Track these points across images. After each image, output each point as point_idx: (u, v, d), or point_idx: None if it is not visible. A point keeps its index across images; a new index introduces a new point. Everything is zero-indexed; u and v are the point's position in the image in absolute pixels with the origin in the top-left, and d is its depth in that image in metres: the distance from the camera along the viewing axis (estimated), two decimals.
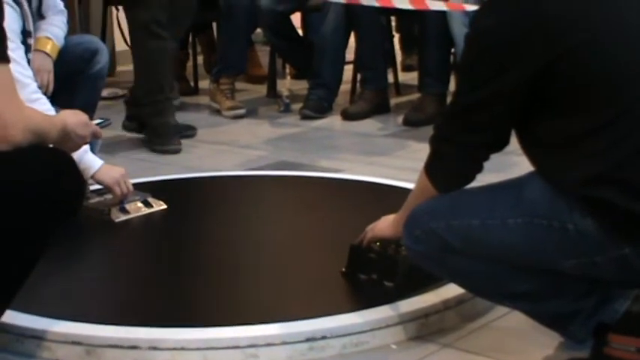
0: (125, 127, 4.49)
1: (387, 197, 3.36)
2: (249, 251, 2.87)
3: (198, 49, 5.81)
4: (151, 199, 3.22)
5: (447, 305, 2.45)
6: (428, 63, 4.75)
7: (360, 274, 2.59)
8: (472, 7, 4.36)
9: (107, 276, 2.74)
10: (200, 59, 5.83)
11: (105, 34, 5.81)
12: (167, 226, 3.12)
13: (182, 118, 4.88)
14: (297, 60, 5.40)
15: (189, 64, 5.65)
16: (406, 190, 3.34)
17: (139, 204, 3.19)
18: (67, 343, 2.31)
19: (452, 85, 4.81)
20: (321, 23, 5.24)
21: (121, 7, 5.49)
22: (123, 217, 3.12)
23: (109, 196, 3.21)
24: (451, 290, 2.49)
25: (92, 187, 3.24)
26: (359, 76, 5.08)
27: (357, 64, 5.05)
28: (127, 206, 3.16)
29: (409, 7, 4.26)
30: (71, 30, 5.26)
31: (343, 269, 2.62)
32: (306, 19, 5.72)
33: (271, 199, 3.42)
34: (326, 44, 4.90)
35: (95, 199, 3.19)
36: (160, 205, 3.22)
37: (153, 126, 4.30)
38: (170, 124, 4.35)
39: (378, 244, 2.58)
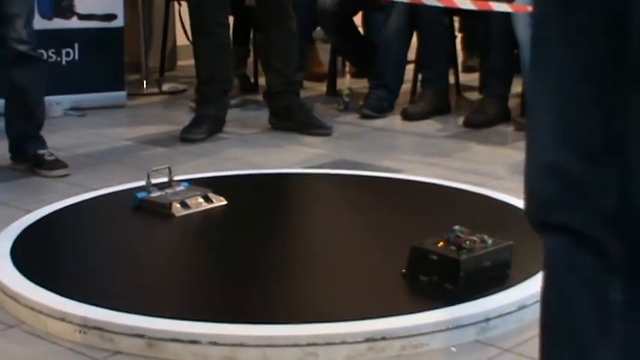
0: (272, 124, 4.55)
1: (448, 199, 3.35)
2: (310, 250, 2.87)
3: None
4: (211, 195, 3.23)
5: (508, 310, 2.44)
6: (491, 64, 4.73)
7: (421, 275, 2.58)
8: None
9: (169, 270, 2.75)
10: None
11: (167, 29, 5.86)
12: (228, 222, 3.13)
13: (243, 114, 4.92)
14: (358, 59, 5.40)
15: (250, 60, 5.66)
16: (467, 193, 3.37)
17: (200, 199, 3.20)
18: (130, 335, 2.33)
19: (514, 87, 4.79)
20: (382, 23, 5.24)
21: (183, 2, 5.55)
22: (184, 212, 3.13)
23: (169, 190, 3.23)
24: (513, 295, 2.48)
25: (153, 181, 3.26)
26: (420, 76, 5.07)
27: (419, 64, 5.03)
28: (188, 201, 3.17)
29: (472, 7, 4.23)
30: (135, 25, 5.36)
31: (404, 270, 2.61)
32: (368, 19, 5.72)
33: (332, 198, 3.42)
34: (389, 45, 4.88)
35: (157, 193, 3.21)
36: (220, 201, 3.23)
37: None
38: (203, 115, 4.39)
39: (439, 244, 2.57)
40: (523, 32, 4.46)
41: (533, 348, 2.33)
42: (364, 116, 4.82)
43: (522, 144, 4.07)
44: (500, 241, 2.63)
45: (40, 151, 3.86)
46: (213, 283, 2.64)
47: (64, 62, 4.94)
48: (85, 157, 4.14)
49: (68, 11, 4.88)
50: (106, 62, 5.00)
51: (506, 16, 4.49)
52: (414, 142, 4.46)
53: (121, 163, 4.06)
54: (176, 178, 3.35)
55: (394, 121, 4.84)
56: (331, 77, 5.44)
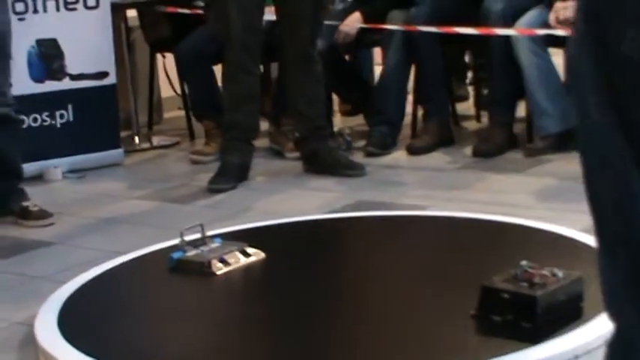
0: (305, 169, 4.50)
1: (495, 233, 3.28)
2: (368, 298, 2.79)
3: None
4: (248, 249, 3.14)
5: (593, 345, 2.36)
6: (495, 92, 4.70)
7: (493, 315, 2.50)
8: (543, 32, 4.31)
9: (229, 333, 2.65)
10: None
11: (153, 82, 5.77)
12: (272, 276, 3.04)
13: None
14: (353, 97, 5.34)
15: None
16: (512, 225, 3.31)
17: (238, 254, 3.11)
18: None
19: (519, 112, 4.75)
20: (369, 59, 5.20)
21: (167, 54, 5.48)
22: (224, 269, 3.03)
23: (205, 248, 3.13)
24: (595, 329, 2.41)
25: (187, 238, 3.15)
26: (419, 109, 5.02)
27: (419, 96, 4.98)
28: (226, 257, 3.07)
29: (474, 32, 4.19)
30: (122, 80, 5.26)
31: (473, 311, 2.53)
32: (356, 56, 5.67)
33: (375, 241, 3.34)
34: (388, 80, 4.84)
35: (192, 252, 3.11)
36: (258, 254, 3.14)
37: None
38: (229, 163, 4.31)
39: (510, 282, 2.50)
40: (525, 56, 4.43)
41: None
42: (369, 154, 4.76)
43: (537, 170, 4.06)
44: (570, 273, 2.56)
45: (25, 204, 3.95)
46: (280, 342, 2.54)
47: (58, 125, 4.82)
48: (96, 220, 4.03)
49: (59, 72, 4.78)
50: (101, 121, 4.89)
51: (508, 41, 4.46)
52: (427, 176, 4.40)
53: (135, 223, 3.95)
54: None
55: (400, 156, 4.78)
56: (327, 118, 5.35)
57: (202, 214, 3.94)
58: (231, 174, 4.33)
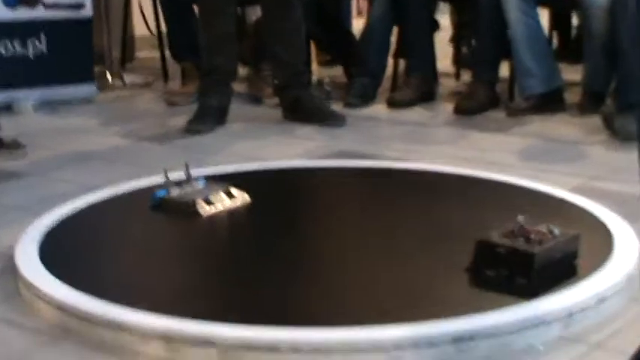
0: (285, 118, 4.43)
1: (478, 188, 3.24)
2: (357, 248, 2.72)
3: None
4: (233, 190, 3.07)
5: (588, 303, 2.33)
6: (480, 49, 4.64)
7: (488, 270, 2.46)
8: None
9: (220, 273, 2.58)
10: None
11: (127, 19, 5.66)
12: (260, 219, 2.97)
13: None
14: (335, 48, 5.27)
15: None
16: (493, 182, 3.27)
17: (223, 195, 3.04)
18: (199, 344, 2.16)
19: (502, 71, 4.71)
20: (349, 10, 5.12)
21: None
22: (209, 210, 2.96)
23: (189, 188, 3.06)
24: (590, 287, 2.38)
25: (171, 178, 3.08)
26: (401, 64, 4.95)
27: (403, 50, 4.91)
28: (212, 198, 3.00)
29: None
30: (96, 11, 5.12)
31: (468, 265, 2.49)
32: (338, 7, 5.59)
33: (360, 192, 3.28)
34: (372, 32, 4.77)
35: (176, 191, 3.03)
36: (243, 196, 3.07)
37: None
38: (208, 106, 4.25)
39: (506, 237, 2.46)
40: (514, 14, 4.38)
41: (621, 342, 2.25)
42: (349, 105, 4.69)
43: (520, 130, 4.03)
44: (567, 231, 2.53)
45: None
46: (275, 285, 2.46)
47: (30, 55, 4.70)
48: (70, 153, 3.93)
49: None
50: (75, 54, 4.78)
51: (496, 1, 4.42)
52: (408, 130, 4.34)
53: (110, 159, 3.87)
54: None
55: (380, 109, 4.72)
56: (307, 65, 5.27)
57: (178, 155, 3.87)
58: (210, 116, 4.25)
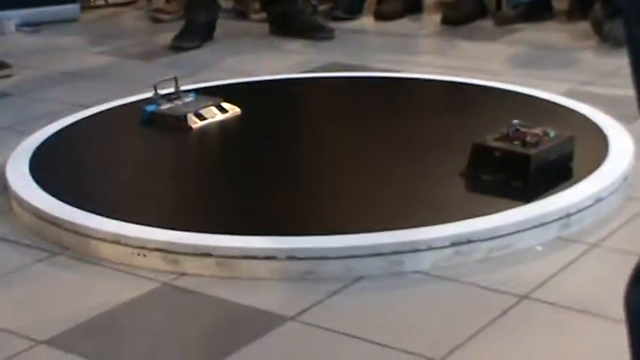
0: (272, 32, 4.34)
1: (471, 95, 3.22)
2: (352, 156, 2.70)
3: None
4: (224, 104, 3.04)
5: (586, 204, 2.33)
6: None
7: (483, 174, 2.45)
8: None
9: (214, 185, 2.56)
10: None
11: None
12: (253, 131, 2.94)
13: None
14: None
15: None
16: (486, 88, 3.24)
17: (213, 108, 3.00)
18: (197, 255, 2.15)
19: None
20: None
21: None
22: (200, 123, 2.93)
23: (179, 102, 3.02)
24: (587, 188, 2.37)
25: (161, 92, 3.04)
26: None
27: None
28: (202, 111, 2.97)
29: None
30: None
31: (463, 170, 2.48)
32: None
33: (353, 102, 3.24)
34: None
35: (166, 105, 3.00)
36: (234, 110, 3.04)
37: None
38: (194, 22, 4.19)
39: (501, 140, 2.45)
40: None
41: (619, 241, 2.26)
42: (335, 18, 4.62)
43: (508, 38, 3.98)
44: (562, 133, 2.52)
45: None
46: (273, 195, 2.45)
47: None
48: (55, 73, 3.88)
49: None
50: None
51: None
52: (396, 41, 4.30)
53: (97, 77, 3.82)
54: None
55: (367, 22, 4.65)
56: None
57: (166, 71, 3.79)
58: (197, 32, 4.20)
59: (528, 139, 2.44)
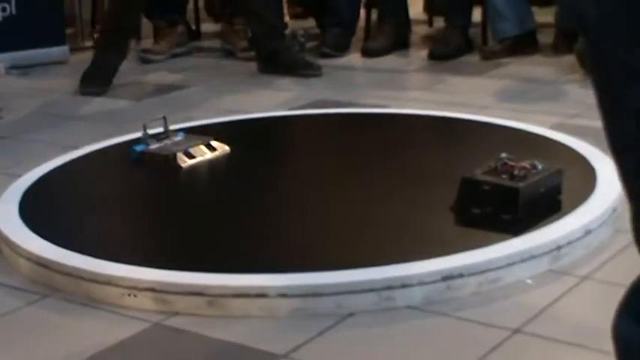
0: (261, 70, 4.38)
1: (460, 130, 3.24)
2: (345, 191, 2.70)
3: None
4: (213, 142, 3.05)
5: (576, 236, 2.34)
6: None
7: (473, 208, 2.45)
8: None
9: (205, 224, 2.55)
10: (201, 1, 5.59)
11: None
12: (241, 169, 2.95)
13: (188, 62, 4.70)
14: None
15: (190, 6, 5.42)
16: (474, 122, 3.26)
17: (203, 147, 3.01)
18: (188, 294, 2.15)
19: (475, 16, 4.69)
20: None
21: None
22: (189, 162, 2.94)
23: (168, 141, 3.03)
24: (577, 220, 2.38)
25: (150, 132, 3.05)
26: (374, 13, 4.92)
27: None
28: (192, 150, 2.98)
29: None
30: None
31: (453, 204, 2.48)
32: None
33: (342, 138, 3.25)
34: None
35: (156, 145, 3.01)
36: (223, 148, 3.05)
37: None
38: (105, 62, 4.22)
39: (490, 174, 2.46)
40: None
41: (610, 273, 2.26)
42: (323, 55, 4.65)
43: (495, 72, 4.01)
44: (550, 166, 2.53)
45: None
46: (263, 233, 2.46)
47: (0, 18, 4.63)
48: (45, 115, 3.89)
49: None
50: (46, 16, 4.71)
51: None
52: (384, 77, 4.32)
53: (87, 118, 3.83)
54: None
55: (354, 58, 4.68)
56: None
57: (156, 111, 3.82)
58: (107, 74, 4.20)
59: (516, 172, 2.46)
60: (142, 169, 2.94)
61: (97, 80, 4.16)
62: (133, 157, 2.98)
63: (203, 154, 2.99)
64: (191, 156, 2.96)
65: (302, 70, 4.29)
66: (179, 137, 3.07)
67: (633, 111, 1.03)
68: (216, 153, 3.02)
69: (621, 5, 1.01)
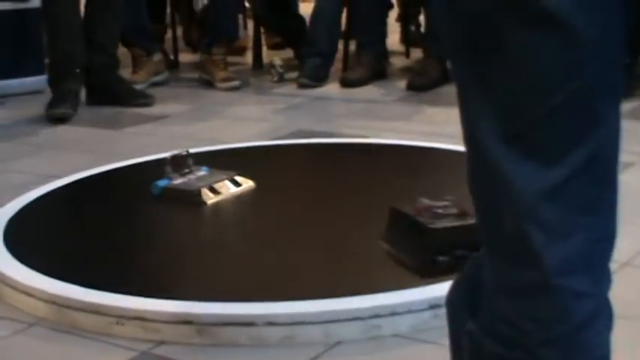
0: (90, 103, 4.43)
1: (439, 160, 3.27)
2: (333, 219, 2.71)
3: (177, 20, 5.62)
4: (237, 177, 2.97)
5: None
6: (431, 27, 4.66)
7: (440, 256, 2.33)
8: None
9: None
10: (179, 31, 5.61)
11: None
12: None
13: (167, 92, 4.71)
14: (285, 30, 5.26)
15: (168, 36, 5.45)
16: (454, 152, 3.29)
17: (227, 182, 2.94)
18: (176, 322, 2.15)
19: None
20: None
21: None
22: (215, 198, 2.86)
23: (192, 176, 2.95)
24: None
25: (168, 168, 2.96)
26: (352, 44, 4.96)
27: (354, 29, 4.91)
28: (216, 186, 2.90)
29: None
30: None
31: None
32: None
33: (326, 167, 3.27)
34: (322, 11, 4.76)
35: (179, 180, 2.93)
36: (248, 183, 2.97)
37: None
38: (65, 90, 4.26)
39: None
40: None
41: None
42: (302, 86, 4.69)
43: None
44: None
45: None
46: (249, 261, 2.46)
47: None
48: (24, 145, 3.88)
49: None
50: (23, 46, 4.71)
51: None
52: (363, 108, 4.35)
53: (67, 147, 3.83)
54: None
55: (333, 89, 4.72)
56: (257, 50, 5.27)
57: (137, 141, 3.85)
58: (71, 100, 4.24)
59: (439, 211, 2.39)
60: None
61: (62, 105, 4.19)
62: (155, 193, 2.90)
63: (227, 190, 2.91)
64: (216, 192, 2.88)
65: (135, 100, 4.37)
66: (203, 172, 2.99)
67: None
68: (241, 188, 2.95)
69: None
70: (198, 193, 2.85)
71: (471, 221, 2.35)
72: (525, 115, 1.03)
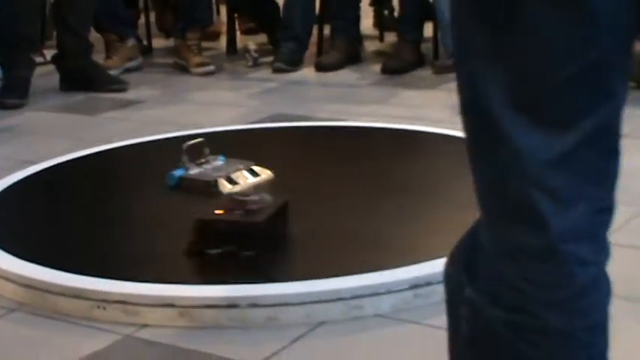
0: (64, 88, 4.42)
1: (416, 142, 3.28)
2: (317, 201, 2.72)
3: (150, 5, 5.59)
4: (255, 167, 2.92)
5: None
6: (405, 10, 4.67)
7: (210, 249, 2.34)
8: None
9: (176, 234, 2.53)
10: (152, 16, 5.59)
11: None
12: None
13: (141, 78, 4.70)
14: (258, 15, 5.25)
15: (141, 22, 5.43)
16: (430, 134, 3.31)
17: (245, 173, 2.89)
18: (158, 305, 2.16)
19: (426, 32, 4.75)
20: None
21: None
22: (233, 189, 2.78)
23: (208, 166, 2.90)
24: None
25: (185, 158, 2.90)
26: (326, 28, 4.96)
27: (328, 13, 4.91)
28: (234, 176, 2.85)
29: None
30: None
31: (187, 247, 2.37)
32: None
33: (315, 151, 3.27)
34: None
35: (195, 170, 2.88)
36: (266, 173, 2.92)
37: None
38: (16, 76, 4.25)
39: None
40: None
41: None
42: (277, 70, 4.68)
43: (448, 86, 4.04)
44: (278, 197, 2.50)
45: None
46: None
47: None
48: (3, 131, 3.86)
49: None
50: None
51: None
52: (338, 92, 4.36)
53: (41, 133, 3.82)
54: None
55: (308, 73, 4.72)
56: (231, 35, 5.25)
57: (112, 126, 3.84)
58: (20, 88, 4.22)
59: (251, 207, 2.39)
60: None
61: (14, 93, 4.17)
62: (171, 183, 2.86)
63: (245, 181, 2.86)
64: (234, 182, 2.82)
65: (109, 86, 4.37)
66: (219, 162, 2.94)
67: None
68: (259, 178, 2.89)
69: None
70: (215, 184, 2.81)
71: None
72: (537, 82, 1.04)
